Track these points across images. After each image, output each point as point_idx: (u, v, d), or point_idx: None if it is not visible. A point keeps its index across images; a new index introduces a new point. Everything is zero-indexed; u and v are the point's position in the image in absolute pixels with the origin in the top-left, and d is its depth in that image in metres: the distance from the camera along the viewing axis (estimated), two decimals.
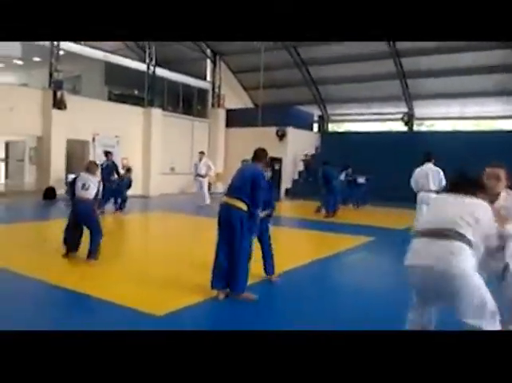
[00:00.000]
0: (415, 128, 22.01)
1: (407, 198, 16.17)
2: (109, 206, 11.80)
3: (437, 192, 8.86)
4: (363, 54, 19.35)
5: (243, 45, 20.45)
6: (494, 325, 2.67)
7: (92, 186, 6.30)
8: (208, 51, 22.38)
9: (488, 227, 2.90)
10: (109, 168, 11.87)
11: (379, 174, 17.05)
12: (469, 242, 2.77)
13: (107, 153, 12.40)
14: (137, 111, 18.11)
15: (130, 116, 17.67)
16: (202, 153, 15.02)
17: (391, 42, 18.67)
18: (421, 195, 8.90)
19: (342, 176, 16.21)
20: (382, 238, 9.57)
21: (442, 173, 8.83)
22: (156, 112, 18.45)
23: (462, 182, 3.10)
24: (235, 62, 22.94)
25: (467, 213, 2.86)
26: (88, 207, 6.31)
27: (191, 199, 14.69)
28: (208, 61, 22.70)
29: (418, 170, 9.05)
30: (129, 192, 12.64)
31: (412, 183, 9.12)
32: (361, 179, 16.56)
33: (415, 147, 19.58)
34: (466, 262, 2.71)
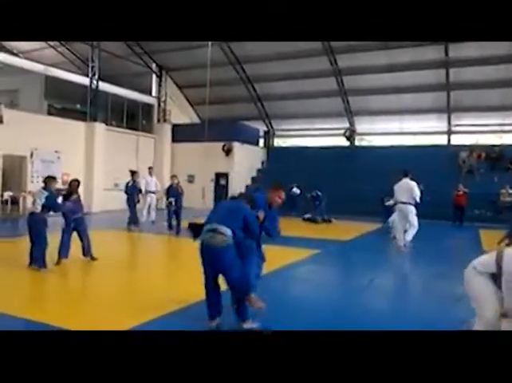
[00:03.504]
0: (357, 143, 22.83)
1: (350, 211, 16.80)
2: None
3: (411, 205, 9.44)
4: (306, 72, 19.93)
5: (189, 61, 20.51)
6: None
7: (38, 201, 6.71)
8: (154, 65, 22.22)
9: None
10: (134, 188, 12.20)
11: (323, 187, 17.49)
12: None
13: (133, 172, 12.53)
14: (79, 125, 17.60)
15: (71, 130, 17.13)
16: (151, 169, 14.68)
17: (334, 61, 19.38)
18: (397, 207, 9.85)
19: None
20: (328, 250, 9.76)
21: (416, 187, 9.51)
22: (99, 126, 18.01)
23: None
24: (181, 77, 22.90)
25: None
26: (34, 219, 6.73)
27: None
28: (154, 75, 22.52)
29: (397, 184, 9.79)
30: None
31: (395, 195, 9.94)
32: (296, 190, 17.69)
33: (357, 161, 20.38)
34: None
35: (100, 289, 6.09)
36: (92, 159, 17.55)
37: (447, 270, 7.94)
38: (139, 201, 12.57)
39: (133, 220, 12.04)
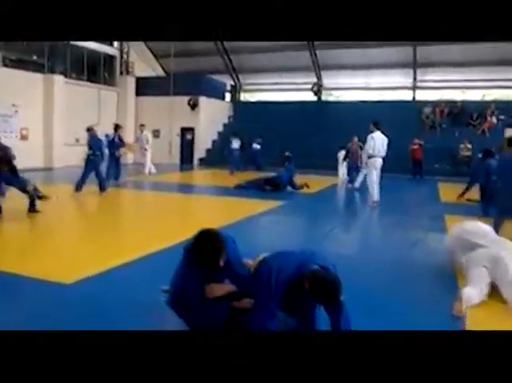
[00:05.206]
0: (324, 97, 22.80)
1: (318, 165, 17.00)
2: None
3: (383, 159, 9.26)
4: None
5: None
6: None
7: None
8: None
9: None
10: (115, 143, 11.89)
11: (290, 142, 17.54)
12: None
13: (116, 126, 12.35)
14: (37, 78, 16.80)
15: (29, 83, 16.35)
16: (142, 126, 15.21)
17: None
18: (376, 160, 9.24)
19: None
20: (292, 201, 9.91)
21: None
22: (58, 79, 17.26)
23: None
24: None
25: None
26: None
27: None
28: None
29: (376, 136, 9.17)
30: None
31: (370, 148, 9.22)
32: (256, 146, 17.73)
33: (324, 116, 20.44)
34: None
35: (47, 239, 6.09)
36: (51, 113, 16.90)
37: (404, 219, 8.28)
38: (121, 155, 12.36)
39: (115, 176, 11.94)
